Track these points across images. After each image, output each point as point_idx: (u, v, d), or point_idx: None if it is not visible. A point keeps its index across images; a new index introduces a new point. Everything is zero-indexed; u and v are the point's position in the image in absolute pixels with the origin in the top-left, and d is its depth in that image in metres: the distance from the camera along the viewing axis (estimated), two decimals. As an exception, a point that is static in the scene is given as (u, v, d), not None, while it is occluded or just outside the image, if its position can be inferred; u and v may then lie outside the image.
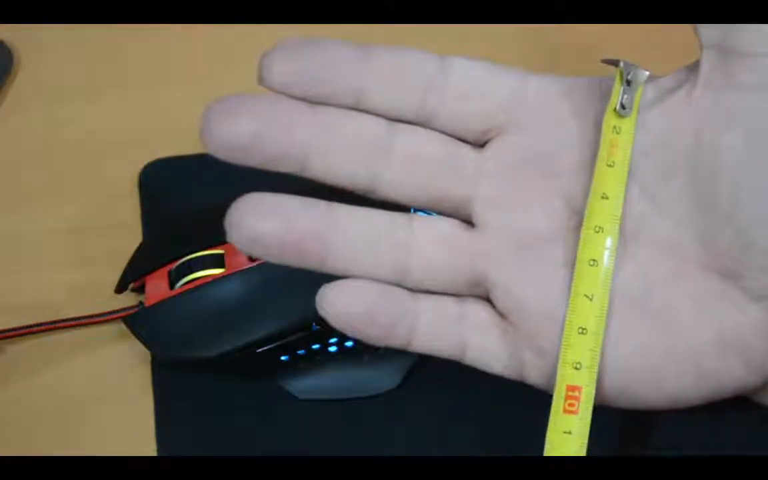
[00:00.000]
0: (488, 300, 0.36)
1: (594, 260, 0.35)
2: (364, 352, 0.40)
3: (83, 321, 0.41)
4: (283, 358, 0.40)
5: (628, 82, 0.36)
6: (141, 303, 0.40)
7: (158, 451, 0.39)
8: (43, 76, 0.48)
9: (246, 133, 0.34)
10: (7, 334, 0.40)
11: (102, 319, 0.41)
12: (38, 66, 0.48)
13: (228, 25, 0.49)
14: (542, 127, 0.36)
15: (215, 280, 0.39)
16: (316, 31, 0.48)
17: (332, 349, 0.40)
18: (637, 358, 0.35)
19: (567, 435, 0.34)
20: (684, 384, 0.35)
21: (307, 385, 0.40)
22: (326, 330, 0.39)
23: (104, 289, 0.42)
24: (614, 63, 0.36)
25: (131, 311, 0.40)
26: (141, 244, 0.42)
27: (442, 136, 0.36)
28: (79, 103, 0.47)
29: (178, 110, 0.47)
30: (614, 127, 0.36)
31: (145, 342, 0.39)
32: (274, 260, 0.35)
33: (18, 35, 0.49)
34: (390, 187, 0.36)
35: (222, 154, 0.34)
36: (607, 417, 0.36)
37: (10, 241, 0.43)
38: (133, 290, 0.41)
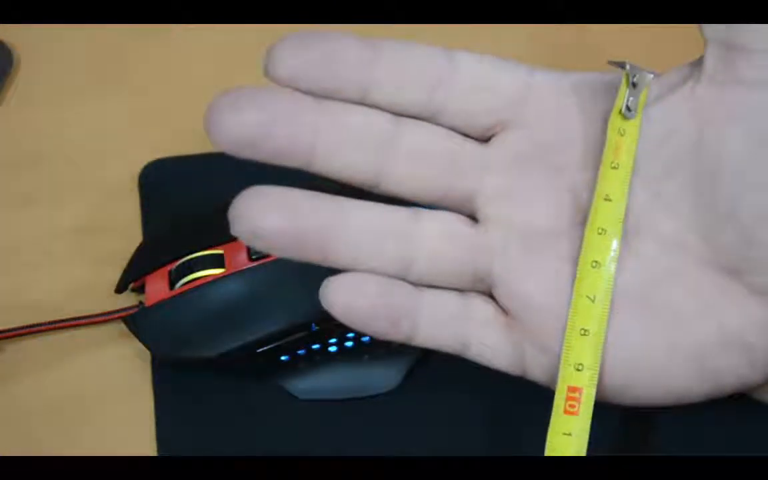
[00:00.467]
0: (491, 295, 0.36)
1: (596, 262, 0.35)
2: (364, 352, 0.40)
3: (83, 321, 0.41)
4: (283, 358, 0.40)
5: (634, 85, 0.36)
6: (141, 303, 0.40)
7: (158, 451, 0.39)
8: (43, 76, 0.48)
9: (251, 126, 0.34)
10: (7, 334, 0.40)
11: (102, 319, 0.41)
12: (38, 66, 0.48)
13: (228, 25, 0.49)
14: (548, 123, 0.36)
15: (215, 280, 0.39)
16: (317, 30, 0.48)
17: (332, 349, 0.40)
18: (639, 355, 0.35)
19: (567, 436, 0.34)
20: (686, 381, 0.35)
21: (307, 385, 0.40)
22: (326, 330, 0.39)
23: (104, 289, 0.42)
24: (621, 65, 0.36)
25: (131, 311, 0.40)
26: (141, 244, 0.42)
27: (448, 131, 0.36)
28: (79, 103, 0.47)
29: (178, 110, 0.47)
30: (619, 129, 0.36)
31: (145, 342, 0.39)
32: (277, 253, 0.35)
33: (18, 35, 0.49)
34: (395, 182, 0.36)
35: (227, 147, 0.34)
36: (607, 417, 0.36)
37: (10, 241, 0.43)
38: (133, 290, 0.41)
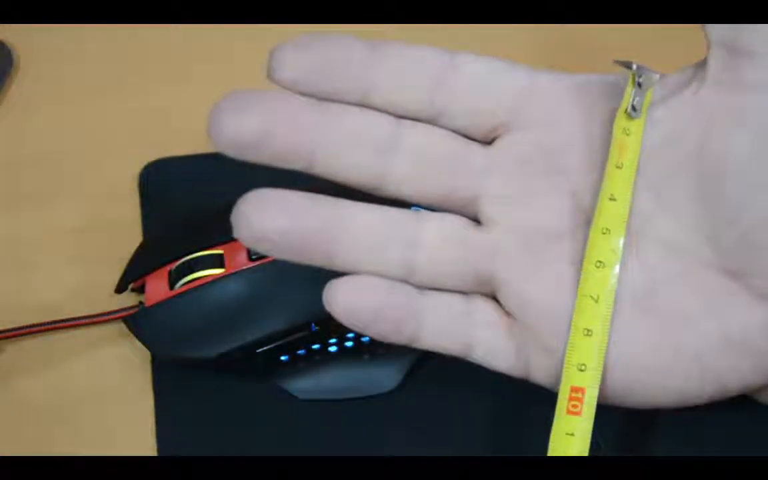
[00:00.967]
0: (495, 298, 0.36)
1: (600, 262, 0.35)
2: (364, 352, 0.40)
3: (83, 321, 0.41)
4: (283, 358, 0.40)
5: (639, 85, 0.36)
6: (141, 303, 0.40)
7: (158, 451, 0.39)
8: (43, 76, 0.48)
9: (254, 129, 0.34)
10: (7, 334, 0.40)
11: (102, 319, 0.41)
12: (38, 66, 0.48)
13: (228, 25, 0.49)
14: (551, 124, 0.36)
15: (215, 280, 0.39)
16: (318, 31, 0.48)
17: (332, 349, 0.40)
18: (643, 357, 0.35)
19: (570, 436, 0.34)
20: (689, 383, 0.35)
21: (307, 385, 0.40)
22: (326, 330, 0.39)
23: (104, 289, 0.42)
24: (627, 65, 0.36)
25: (131, 311, 0.40)
26: (141, 244, 0.42)
27: (450, 133, 0.36)
28: (79, 103, 0.47)
29: (178, 110, 0.47)
30: (624, 128, 0.36)
31: (145, 342, 0.39)
32: (280, 257, 0.35)
33: (18, 35, 0.49)
34: (397, 184, 0.36)
35: (230, 150, 0.34)
36: (608, 417, 0.36)
37: (11, 241, 0.43)
38: (133, 290, 0.41)
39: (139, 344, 0.39)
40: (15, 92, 0.48)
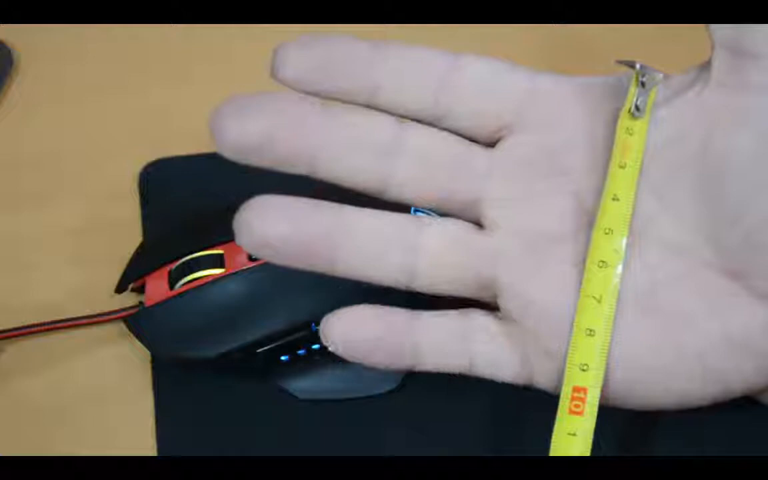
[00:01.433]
0: (494, 306, 0.36)
1: (603, 262, 0.35)
2: (364, 352, 0.40)
3: (83, 321, 0.41)
4: (283, 358, 0.40)
5: (643, 84, 0.36)
6: (141, 303, 0.40)
7: (158, 451, 0.39)
8: (43, 76, 0.48)
9: (256, 133, 0.34)
10: (7, 334, 0.40)
11: (102, 319, 0.41)
12: (38, 66, 0.48)
13: (228, 25, 0.49)
14: (553, 126, 0.36)
15: (215, 280, 0.39)
16: (318, 31, 0.48)
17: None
18: (645, 358, 0.35)
19: (572, 436, 0.34)
20: (691, 384, 0.35)
21: (307, 385, 0.40)
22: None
23: (104, 289, 0.42)
24: (630, 64, 0.36)
25: (131, 311, 0.40)
26: (141, 244, 0.42)
27: (453, 136, 0.36)
28: (79, 103, 0.47)
29: (178, 110, 0.47)
30: (627, 128, 0.36)
31: (145, 342, 0.39)
32: (283, 263, 0.35)
33: (18, 35, 0.49)
34: (400, 187, 0.36)
35: (232, 154, 0.34)
36: (609, 418, 0.36)
37: (11, 241, 0.43)
38: (133, 290, 0.41)
39: (139, 344, 0.39)
40: (15, 92, 0.48)
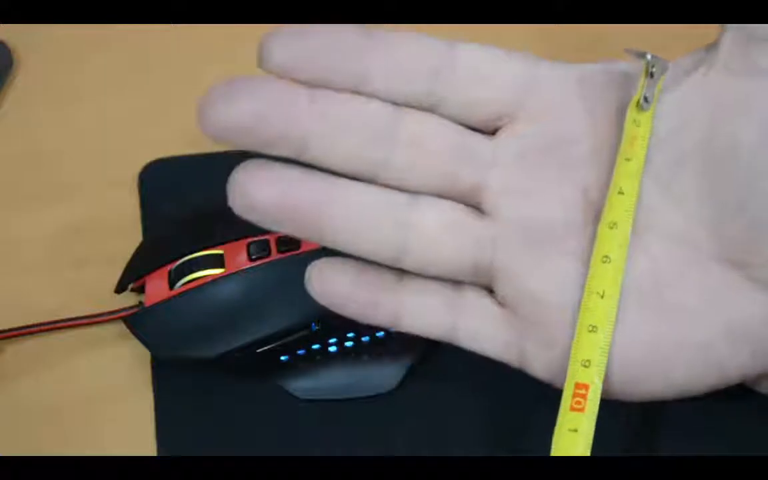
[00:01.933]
0: (488, 290, 0.36)
1: (607, 257, 0.35)
2: (364, 352, 0.40)
3: (83, 321, 0.41)
4: (283, 358, 0.40)
5: (651, 75, 0.36)
6: (141, 303, 0.40)
7: (158, 451, 0.39)
8: (43, 76, 0.48)
9: (244, 115, 0.34)
10: (7, 334, 0.40)
11: (102, 319, 0.41)
12: (38, 66, 0.48)
13: (229, 25, 0.49)
14: (556, 115, 0.36)
15: (215, 280, 0.39)
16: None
17: (332, 349, 0.40)
18: (646, 349, 0.35)
19: (573, 433, 0.34)
20: (691, 374, 0.35)
21: (307, 385, 0.40)
22: (326, 330, 0.39)
23: (104, 289, 0.42)
24: (640, 55, 0.36)
25: (131, 311, 0.40)
26: (141, 244, 0.42)
27: (450, 123, 0.36)
28: (79, 103, 0.47)
29: (178, 110, 0.47)
30: (634, 120, 0.35)
31: (145, 342, 0.39)
32: (271, 228, 0.35)
33: (18, 35, 0.49)
34: (394, 173, 0.35)
35: (218, 135, 0.34)
36: (611, 417, 0.36)
37: (10, 241, 0.43)
38: (133, 290, 0.41)
39: (139, 344, 0.39)
40: (15, 92, 0.48)
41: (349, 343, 0.40)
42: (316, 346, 0.40)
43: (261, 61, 0.34)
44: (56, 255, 0.43)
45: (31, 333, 0.40)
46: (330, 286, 0.36)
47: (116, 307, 0.41)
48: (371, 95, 0.35)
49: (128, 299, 0.41)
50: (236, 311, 0.39)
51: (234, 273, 0.39)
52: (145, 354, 0.40)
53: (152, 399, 0.40)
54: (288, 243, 0.39)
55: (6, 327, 0.40)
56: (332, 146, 0.35)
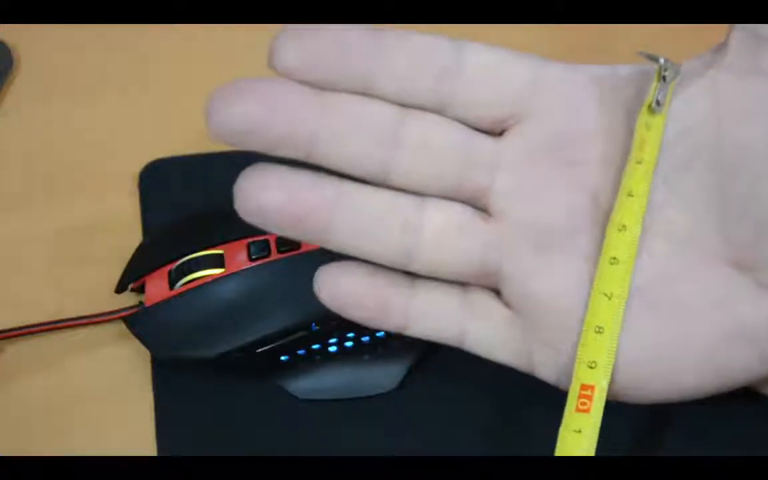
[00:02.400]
0: (496, 292, 0.36)
1: (615, 259, 0.35)
2: (364, 352, 0.40)
3: (83, 321, 0.41)
4: (283, 358, 0.40)
5: (664, 79, 0.36)
6: (141, 303, 0.40)
7: (158, 451, 0.39)
8: (43, 76, 0.48)
9: (251, 116, 0.34)
10: (7, 334, 0.40)
11: (102, 319, 0.41)
12: (38, 66, 0.48)
13: (229, 25, 0.49)
14: (563, 116, 0.36)
15: (215, 280, 0.39)
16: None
17: (332, 349, 0.40)
18: (651, 351, 0.35)
19: (577, 434, 0.34)
20: (697, 377, 0.35)
21: (307, 385, 0.40)
22: (326, 330, 0.39)
23: (104, 289, 0.42)
24: (653, 58, 0.36)
25: (131, 311, 0.40)
26: (141, 244, 0.42)
27: (457, 124, 0.36)
28: (79, 103, 0.47)
29: (178, 110, 0.47)
30: (646, 123, 0.35)
31: (145, 342, 0.39)
32: (276, 232, 0.35)
33: (18, 35, 0.49)
34: (402, 175, 0.35)
35: (225, 138, 0.34)
36: (615, 416, 0.36)
37: (10, 241, 0.43)
38: (133, 290, 0.41)
39: (139, 344, 0.39)
40: (15, 92, 0.48)
41: (349, 343, 0.40)
42: (316, 346, 0.40)
43: (272, 61, 0.34)
44: (56, 255, 0.43)
45: (31, 333, 0.40)
46: (340, 290, 0.36)
47: (116, 307, 0.41)
48: (379, 97, 0.35)
49: (128, 299, 0.41)
50: (236, 311, 0.39)
51: (234, 273, 0.39)
52: (145, 354, 0.40)
53: (152, 399, 0.40)
54: (288, 243, 0.39)
55: (6, 327, 0.40)
56: (339, 147, 0.34)
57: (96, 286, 0.42)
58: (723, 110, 0.34)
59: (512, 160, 0.36)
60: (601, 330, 0.35)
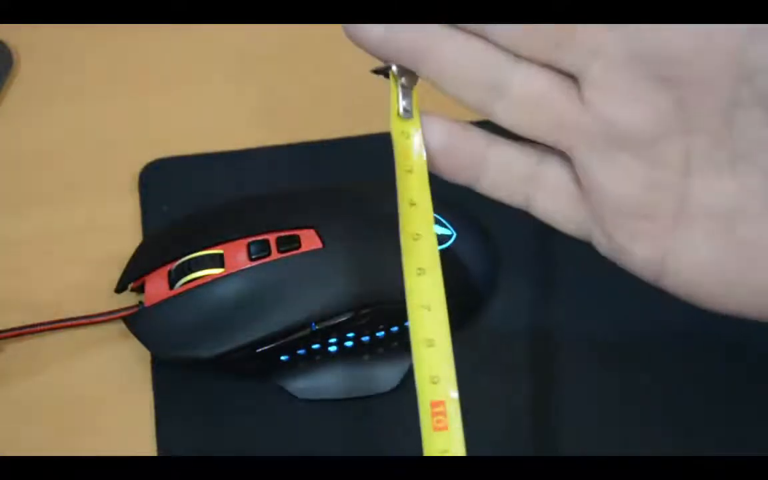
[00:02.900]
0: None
1: (421, 269, 0.34)
2: (364, 352, 0.40)
3: (83, 321, 0.41)
4: (283, 358, 0.40)
5: (403, 86, 0.36)
6: (141, 303, 0.40)
7: (158, 451, 0.39)
8: (43, 76, 0.48)
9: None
10: (7, 334, 0.40)
11: (102, 319, 0.41)
12: (38, 66, 0.48)
13: (229, 26, 0.49)
14: (677, 33, 0.35)
15: (215, 280, 0.39)
16: (320, 30, 0.48)
17: (332, 349, 0.40)
18: (713, 268, 0.35)
19: (446, 453, 0.33)
20: (745, 307, 0.36)
21: (307, 385, 0.40)
22: (326, 330, 0.39)
23: (104, 289, 0.42)
24: (384, 71, 0.36)
25: (131, 311, 0.40)
26: (141, 244, 0.42)
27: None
28: (79, 103, 0.47)
29: (178, 110, 0.47)
30: (402, 132, 0.36)
31: (145, 342, 0.39)
32: (376, 55, 0.36)
33: (18, 35, 0.49)
34: (498, 37, 0.36)
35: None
36: (610, 417, 0.36)
37: (11, 241, 0.43)
38: (133, 290, 0.41)
39: (139, 344, 0.39)
40: (15, 92, 0.48)
41: (349, 343, 0.40)
42: (316, 346, 0.40)
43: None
44: (56, 255, 0.43)
45: (30, 333, 0.41)
46: (431, 144, 0.36)
47: (116, 307, 0.41)
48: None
49: (128, 299, 0.41)
50: (236, 311, 0.39)
51: (234, 273, 0.39)
52: (145, 354, 0.40)
53: (152, 399, 0.40)
54: (288, 243, 0.39)
55: (5, 327, 0.40)
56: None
57: (96, 286, 0.42)
58: None
59: (611, 56, 0.35)
60: (431, 343, 0.33)
